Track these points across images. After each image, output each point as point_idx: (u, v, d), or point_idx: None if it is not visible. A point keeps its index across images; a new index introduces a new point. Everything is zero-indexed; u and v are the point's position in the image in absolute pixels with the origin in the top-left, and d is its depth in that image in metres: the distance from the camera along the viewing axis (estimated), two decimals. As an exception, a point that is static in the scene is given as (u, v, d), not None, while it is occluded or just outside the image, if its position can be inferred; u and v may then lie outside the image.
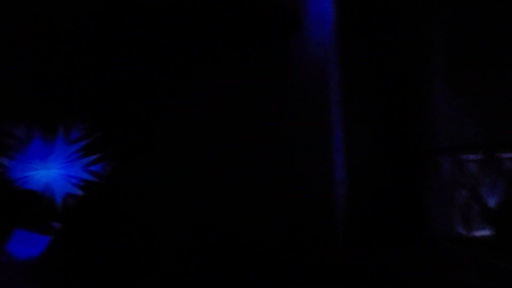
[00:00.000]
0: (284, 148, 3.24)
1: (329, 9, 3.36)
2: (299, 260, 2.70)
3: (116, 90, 3.41)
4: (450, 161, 3.56)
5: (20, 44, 3.28)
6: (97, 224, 3.20)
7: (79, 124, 3.46)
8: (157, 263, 3.06)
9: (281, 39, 3.36)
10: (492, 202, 3.46)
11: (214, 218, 3.24)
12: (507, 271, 2.57)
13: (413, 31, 3.60)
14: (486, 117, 3.53)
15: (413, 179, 3.56)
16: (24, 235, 2.43)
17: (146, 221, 3.36)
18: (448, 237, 3.43)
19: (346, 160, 3.38)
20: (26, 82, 3.37)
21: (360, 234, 3.25)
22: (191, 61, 3.42)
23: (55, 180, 3.37)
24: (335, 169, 3.35)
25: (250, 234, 3.01)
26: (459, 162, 3.55)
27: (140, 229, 3.31)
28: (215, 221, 3.23)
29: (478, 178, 3.51)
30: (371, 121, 3.57)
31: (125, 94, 3.47)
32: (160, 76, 3.43)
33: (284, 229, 3.00)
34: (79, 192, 3.44)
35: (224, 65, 3.37)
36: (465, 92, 3.56)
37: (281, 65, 3.37)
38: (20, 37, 3.25)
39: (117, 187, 3.49)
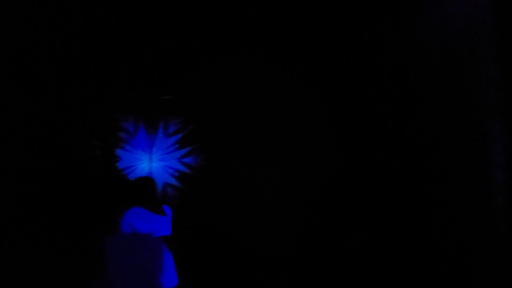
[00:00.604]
0: (439, 149, 2.87)
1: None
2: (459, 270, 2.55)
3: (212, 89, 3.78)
4: None
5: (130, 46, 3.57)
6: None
7: (176, 119, 3.77)
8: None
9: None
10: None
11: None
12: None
13: None
14: None
15: None
16: (143, 213, 2.76)
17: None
18: None
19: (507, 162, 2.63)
20: (135, 83, 3.72)
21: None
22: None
23: (155, 170, 3.70)
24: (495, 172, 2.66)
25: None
26: None
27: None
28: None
29: None
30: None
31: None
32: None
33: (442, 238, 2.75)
34: (175, 182, 3.74)
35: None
36: None
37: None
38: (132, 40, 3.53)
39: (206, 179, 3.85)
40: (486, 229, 2.45)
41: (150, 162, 3.72)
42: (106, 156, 3.61)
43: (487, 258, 2.41)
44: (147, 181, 2.91)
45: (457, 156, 2.66)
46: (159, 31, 3.48)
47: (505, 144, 2.39)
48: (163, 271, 2.69)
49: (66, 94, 3.53)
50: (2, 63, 3.17)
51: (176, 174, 3.77)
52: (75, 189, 3.46)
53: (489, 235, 2.43)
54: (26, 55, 3.32)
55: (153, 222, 2.79)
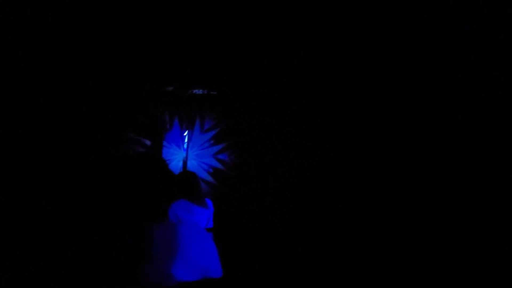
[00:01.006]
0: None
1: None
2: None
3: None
4: None
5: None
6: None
7: (211, 115, 3.82)
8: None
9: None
10: None
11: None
12: None
13: None
14: None
15: None
16: (188, 205, 2.90)
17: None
18: None
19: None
20: (171, 77, 3.65)
21: None
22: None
23: (190, 166, 3.69)
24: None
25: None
26: None
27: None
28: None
29: None
30: None
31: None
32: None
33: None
34: (210, 178, 3.78)
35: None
36: None
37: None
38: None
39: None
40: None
41: (184, 158, 3.69)
42: (148, 151, 3.67)
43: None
44: (192, 175, 3.06)
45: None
46: (195, 25, 3.52)
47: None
48: (209, 261, 2.78)
49: (104, 88, 3.59)
50: (40, 56, 3.24)
51: (211, 170, 3.70)
52: (113, 183, 3.49)
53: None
54: (63, 46, 3.34)
55: (196, 214, 2.92)
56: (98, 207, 3.37)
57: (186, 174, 3.12)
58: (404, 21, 3.26)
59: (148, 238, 2.69)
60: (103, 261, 3.03)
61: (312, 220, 3.59)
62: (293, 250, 3.54)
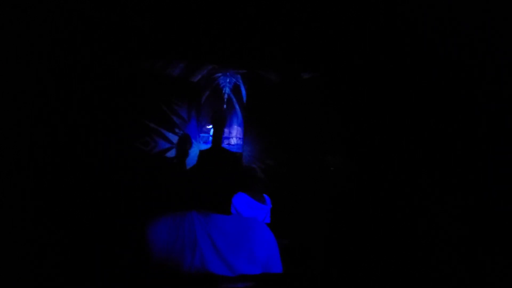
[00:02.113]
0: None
1: None
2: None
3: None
4: None
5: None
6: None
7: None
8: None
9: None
10: None
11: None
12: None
13: None
14: None
15: None
16: (247, 198, 3.00)
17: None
18: None
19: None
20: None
21: None
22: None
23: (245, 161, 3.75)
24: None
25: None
26: None
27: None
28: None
29: None
30: None
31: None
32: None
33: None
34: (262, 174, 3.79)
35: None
36: None
37: None
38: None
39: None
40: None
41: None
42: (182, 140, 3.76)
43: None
44: (251, 169, 3.23)
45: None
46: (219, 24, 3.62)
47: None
48: (269, 256, 2.81)
49: (125, 78, 3.59)
50: (59, 49, 3.33)
51: (263, 166, 3.80)
52: (134, 172, 3.68)
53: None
54: (81, 38, 3.47)
55: (255, 208, 3.00)
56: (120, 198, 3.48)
57: (247, 167, 3.24)
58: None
59: (208, 229, 2.71)
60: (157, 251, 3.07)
61: (368, 219, 3.52)
62: (349, 249, 3.49)
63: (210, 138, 10.83)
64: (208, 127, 10.75)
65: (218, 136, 3.60)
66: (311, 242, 3.49)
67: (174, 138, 3.53)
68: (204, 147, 9.78)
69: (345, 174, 3.61)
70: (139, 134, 3.56)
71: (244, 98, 10.28)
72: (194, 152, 3.72)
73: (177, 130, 3.61)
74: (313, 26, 3.40)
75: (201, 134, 11.08)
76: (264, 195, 3.10)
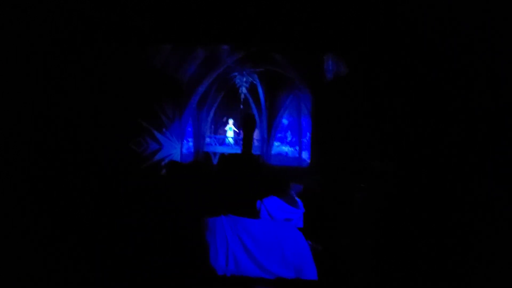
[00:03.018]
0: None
1: None
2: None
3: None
4: None
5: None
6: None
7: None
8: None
9: None
10: None
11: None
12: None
13: None
14: None
15: None
16: (279, 202, 2.94)
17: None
18: None
19: None
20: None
21: None
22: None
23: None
24: None
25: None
26: None
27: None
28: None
29: None
30: None
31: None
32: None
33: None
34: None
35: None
36: None
37: None
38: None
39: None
40: None
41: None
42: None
43: None
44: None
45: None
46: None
47: None
48: (303, 261, 2.70)
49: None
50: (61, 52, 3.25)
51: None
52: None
53: None
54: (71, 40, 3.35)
55: (287, 212, 2.97)
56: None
57: (276, 169, 3.14)
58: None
59: (239, 233, 2.69)
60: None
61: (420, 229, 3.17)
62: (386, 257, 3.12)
63: (227, 139, 10.63)
64: (225, 128, 10.51)
65: (249, 140, 3.47)
66: (353, 250, 3.24)
67: (162, 138, 3.35)
68: (220, 149, 9.65)
69: (394, 180, 3.30)
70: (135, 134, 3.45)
71: (262, 98, 10.01)
72: (176, 154, 3.60)
73: (164, 130, 3.47)
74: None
75: (217, 136, 10.86)
76: (297, 199, 3.02)
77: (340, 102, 3.69)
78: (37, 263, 2.82)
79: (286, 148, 9.55)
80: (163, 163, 3.51)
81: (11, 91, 2.96)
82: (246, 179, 3.21)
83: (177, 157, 3.68)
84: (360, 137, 3.51)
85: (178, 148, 3.71)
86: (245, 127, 3.43)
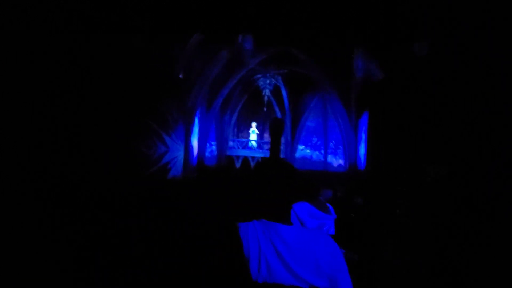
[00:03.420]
0: None
1: None
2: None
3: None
4: None
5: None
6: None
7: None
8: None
9: None
10: None
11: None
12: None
13: None
14: None
15: None
16: (309, 208, 2.82)
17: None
18: None
19: None
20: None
21: None
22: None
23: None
24: None
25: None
26: None
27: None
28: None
29: None
30: None
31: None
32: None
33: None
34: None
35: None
36: None
37: None
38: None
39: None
40: None
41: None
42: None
43: None
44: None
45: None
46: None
47: None
48: (337, 270, 2.44)
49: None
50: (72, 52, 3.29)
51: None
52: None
53: None
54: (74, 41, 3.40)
55: (319, 218, 2.86)
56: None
57: (306, 174, 2.97)
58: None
59: (271, 238, 2.56)
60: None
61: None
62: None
63: (250, 143, 10.48)
64: (249, 132, 10.36)
65: (277, 145, 3.29)
66: (396, 265, 3.00)
67: (169, 141, 3.28)
68: (243, 152, 9.50)
69: (447, 188, 3.05)
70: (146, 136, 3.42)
71: (285, 100, 9.81)
72: (180, 155, 3.51)
73: (170, 132, 3.40)
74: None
75: (239, 139, 10.73)
76: (328, 205, 2.90)
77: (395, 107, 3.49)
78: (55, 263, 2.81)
79: (310, 152, 9.30)
80: (168, 166, 3.46)
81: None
82: (279, 184, 3.05)
83: (181, 159, 3.59)
84: (415, 142, 3.30)
85: (182, 151, 3.61)
86: (273, 131, 3.24)
